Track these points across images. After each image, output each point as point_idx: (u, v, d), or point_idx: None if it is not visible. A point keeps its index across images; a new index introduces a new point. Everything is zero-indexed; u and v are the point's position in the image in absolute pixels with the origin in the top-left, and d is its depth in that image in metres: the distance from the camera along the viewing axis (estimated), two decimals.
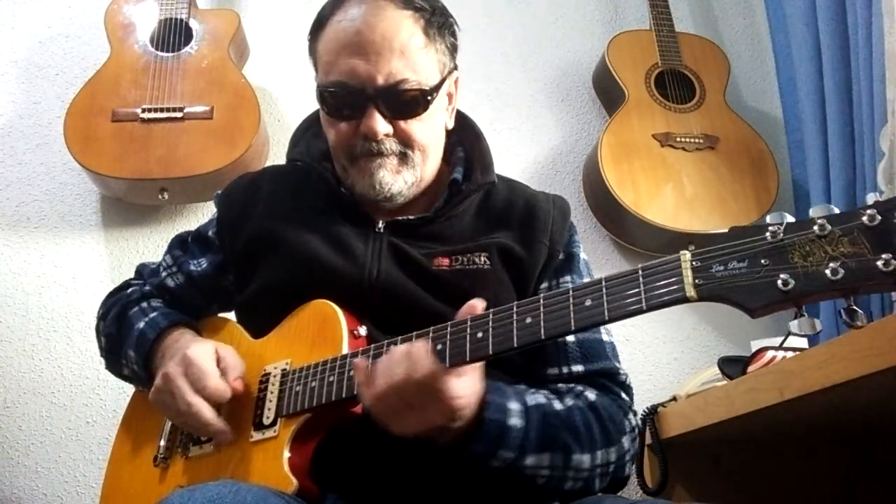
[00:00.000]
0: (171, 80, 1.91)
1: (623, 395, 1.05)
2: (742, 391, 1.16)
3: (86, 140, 1.83)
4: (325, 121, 1.12)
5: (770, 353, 1.31)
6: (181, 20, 1.98)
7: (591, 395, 1.02)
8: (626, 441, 1.00)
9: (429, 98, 1.07)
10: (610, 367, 1.06)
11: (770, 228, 0.71)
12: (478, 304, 0.86)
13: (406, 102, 1.05)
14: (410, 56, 1.04)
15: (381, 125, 1.04)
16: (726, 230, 0.74)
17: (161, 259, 1.26)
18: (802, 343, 1.51)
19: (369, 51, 1.03)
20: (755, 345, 1.49)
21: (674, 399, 1.47)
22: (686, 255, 0.74)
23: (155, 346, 1.10)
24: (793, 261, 0.69)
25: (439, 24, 1.09)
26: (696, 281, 0.72)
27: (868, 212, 0.67)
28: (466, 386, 0.85)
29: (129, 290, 1.24)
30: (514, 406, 0.92)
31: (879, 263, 0.64)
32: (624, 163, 2.02)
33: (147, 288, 1.24)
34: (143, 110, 1.86)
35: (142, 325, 1.13)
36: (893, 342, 0.84)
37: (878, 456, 1.44)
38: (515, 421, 0.91)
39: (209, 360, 1.00)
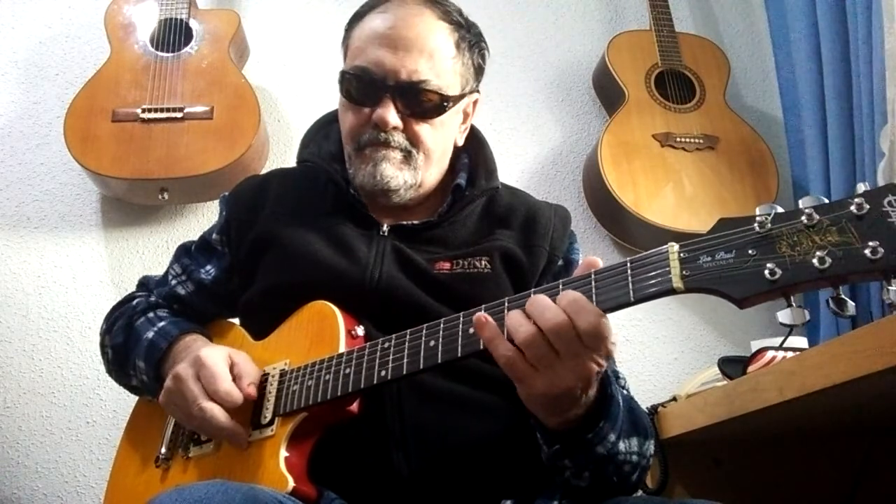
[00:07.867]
0: (172, 80, 1.91)
1: None
2: (742, 391, 1.16)
3: (86, 140, 1.83)
4: (341, 106, 1.14)
5: (770, 353, 1.32)
6: (181, 20, 1.98)
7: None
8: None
9: (445, 105, 1.09)
10: (614, 370, 1.05)
11: (758, 219, 0.70)
12: (597, 261, 0.81)
13: (422, 103, 1.07)
14: (437, 61, 1.07)
15: (391, 116, 1.06)
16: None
17: (167, 268, 1.25)
18: (802, 343, 1.51)
19: (399, 45, 1.06)
20: (755, 345, 1.48)
21: (674, 399, 1.47)
22: (674, 247, 0.74)
23: (166, 354, 1.08)
24: (780, 251, 0.68)
25: (471, 43, 1.13)
26: (684, 272, 0.72)
27: (856, 201, 0.66)
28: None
29: (135, 301, 1.23)
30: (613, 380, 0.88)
31: (867, 252, 0.64)
32: (624, 163, 2.02)
33: (153, 298, 1.22)
34: (143, 110, 1.86)
35: (151, 334, 1.11)
36: (893, 342, 0.84)
37: (878, 455, 1.44)
38: (619, 398, 0.87)
39: (221, 363, 0.97)
